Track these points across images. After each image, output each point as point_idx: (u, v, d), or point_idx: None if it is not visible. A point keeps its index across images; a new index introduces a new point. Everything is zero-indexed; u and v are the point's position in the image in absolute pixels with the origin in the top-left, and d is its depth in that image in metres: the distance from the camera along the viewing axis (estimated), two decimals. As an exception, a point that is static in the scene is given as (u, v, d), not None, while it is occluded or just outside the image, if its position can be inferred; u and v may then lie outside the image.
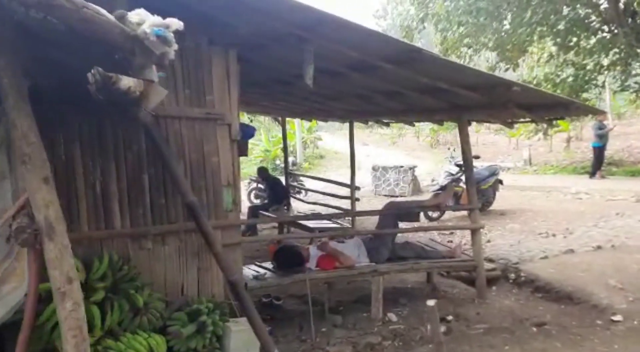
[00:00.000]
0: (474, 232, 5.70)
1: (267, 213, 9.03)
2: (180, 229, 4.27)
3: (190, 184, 4.26)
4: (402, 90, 5.64)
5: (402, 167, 14.82)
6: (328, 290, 5.53)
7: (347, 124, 8.86)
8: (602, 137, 15.18)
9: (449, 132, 27.81)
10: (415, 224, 6.13)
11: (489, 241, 8.31)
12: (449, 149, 13.51)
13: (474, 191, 5.73)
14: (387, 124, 8.20)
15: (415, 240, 6.38)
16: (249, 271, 5.05)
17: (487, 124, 10.10)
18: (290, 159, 16.82)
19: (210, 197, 4.39)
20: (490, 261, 7.29)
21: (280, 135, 25.09)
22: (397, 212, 5.46)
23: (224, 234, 4.48)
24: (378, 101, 6.38)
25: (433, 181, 9.98)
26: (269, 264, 5.27)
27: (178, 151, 4.22)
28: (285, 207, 9.39)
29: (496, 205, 11.06)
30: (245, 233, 9.35)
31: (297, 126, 24.97)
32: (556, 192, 13.27)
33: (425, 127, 27.72)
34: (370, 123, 9.57)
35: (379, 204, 12.36)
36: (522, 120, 5.96)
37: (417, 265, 5.41)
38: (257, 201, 12.01)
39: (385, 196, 14.72)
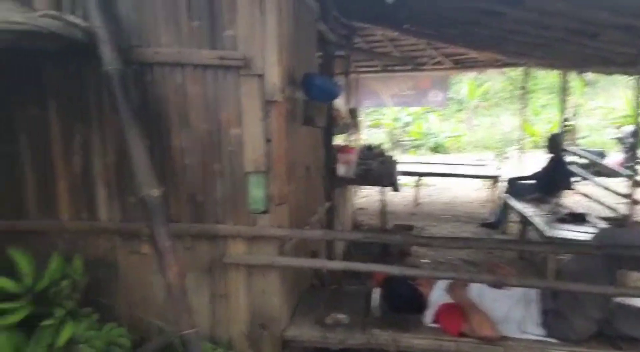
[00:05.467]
0: None
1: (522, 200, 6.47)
2: (185, 232, 2.92)
3: (201, 169, 2.85)
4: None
5: None
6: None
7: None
8: None
9: None
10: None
11: None
12: None
13: None
14: None
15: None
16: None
17: None
18: (632, 127, 12.40)
19: (226, 189, 2.86)
20: None
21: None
22: (616, 253, 2.66)
23: (251, 248, 2.90)
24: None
25: None
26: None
27: (180, 118, 2.82)
28: (555, 200, 6.49)
29: None
30: (495, 226, 7.11)
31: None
32: None
33: None
34: None
35: None
36: None
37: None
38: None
39: None
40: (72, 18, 2.57)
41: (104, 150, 2.91)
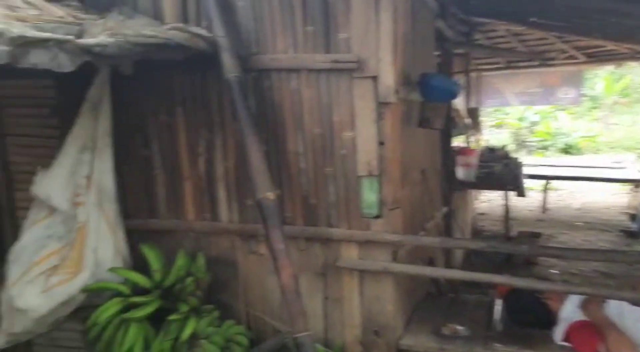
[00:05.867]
0: None
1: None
2: (299, 235, 2.95)
3: (314, 172, 2.87)
4: None
5: None
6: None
7: None
8: None
9: None
10: None
11: None
12: None
13: None
14: None
15: None
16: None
17: None
18: None
19: (339, 193, 2.84)
20: None
21: None
22: None
23: (364, 252, 2.85)
24: None
25: None
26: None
27: (295, 123, 2.86)
28: None
29: None
30: (636, 235, 6.44)
31: None
32: None
33: None
34: None
35: None
36: None
37: None
38: None
39: None
40: (197, 29, 2.72)
41: (224, 154, 3.04)
